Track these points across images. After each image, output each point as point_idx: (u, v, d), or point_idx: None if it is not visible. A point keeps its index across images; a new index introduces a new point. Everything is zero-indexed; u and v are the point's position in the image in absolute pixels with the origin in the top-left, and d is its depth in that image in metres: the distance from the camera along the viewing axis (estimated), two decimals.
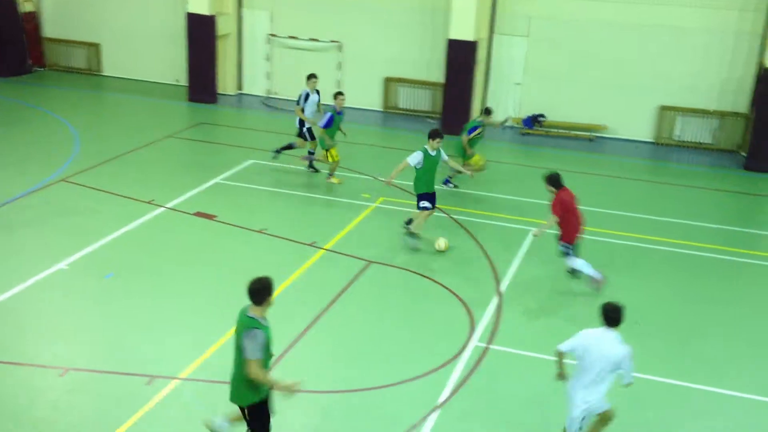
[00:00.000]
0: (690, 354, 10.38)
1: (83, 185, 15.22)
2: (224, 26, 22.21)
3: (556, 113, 20.83)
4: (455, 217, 14.49)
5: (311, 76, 16.39)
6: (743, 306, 11.78)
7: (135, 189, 15.09)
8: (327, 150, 15.61)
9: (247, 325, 6.98)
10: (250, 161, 17.12)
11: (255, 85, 23.32)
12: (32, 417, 8.52)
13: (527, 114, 20.97)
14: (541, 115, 20.87)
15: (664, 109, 20.06)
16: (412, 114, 21.98)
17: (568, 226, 11.42)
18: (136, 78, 23.98)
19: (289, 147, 16.51)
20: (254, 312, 7.07)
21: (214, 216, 14.07)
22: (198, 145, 18.58)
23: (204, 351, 9.80)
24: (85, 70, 24.46)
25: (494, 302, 11.35)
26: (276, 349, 9.68)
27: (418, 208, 12.97)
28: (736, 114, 19.67)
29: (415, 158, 12.65)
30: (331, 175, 16.04)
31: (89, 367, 9.46)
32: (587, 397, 7.44)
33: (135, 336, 10.16)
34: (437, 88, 21.37)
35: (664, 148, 20.08)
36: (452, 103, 20.19)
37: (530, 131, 20.79)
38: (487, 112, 16.18)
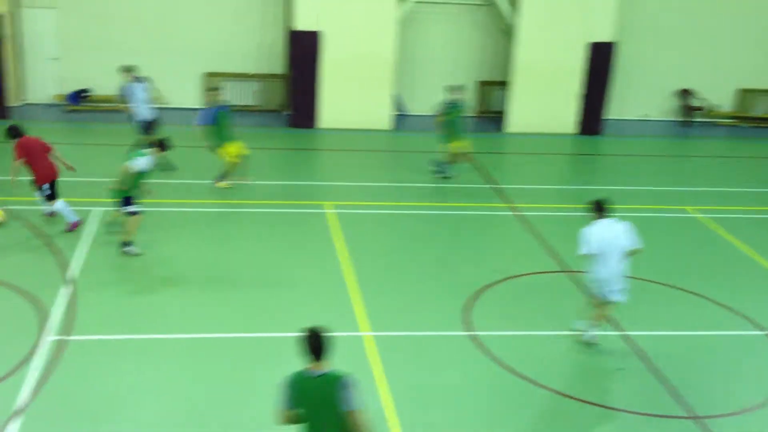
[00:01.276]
0: None
1: None
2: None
3: (104, 87, 20.10)
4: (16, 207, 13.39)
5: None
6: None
7: None
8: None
9: (340, 377, 6.03)
10: None
11: None
12: None
13: (71, 90, 20.01)
14: (85, 90, 20.09)
15: (209, 75, 20.70)
16: None
17: (38, 170, 12.60)
18: None
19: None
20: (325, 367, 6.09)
21: None
22: None
23: None
24: None
25: (64, 290, 10.82)
26: None
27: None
28: (274, 76, 21.09)
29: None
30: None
31: None
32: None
33: None
34: None
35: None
36: None
37: (77, 108, 19.90)
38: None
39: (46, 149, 12.77)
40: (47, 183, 12.73)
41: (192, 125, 15.14)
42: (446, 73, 21.21)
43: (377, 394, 8.88)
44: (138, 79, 15.53)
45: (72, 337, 9.70)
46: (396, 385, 9.07)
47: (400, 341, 10.15)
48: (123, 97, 15.67)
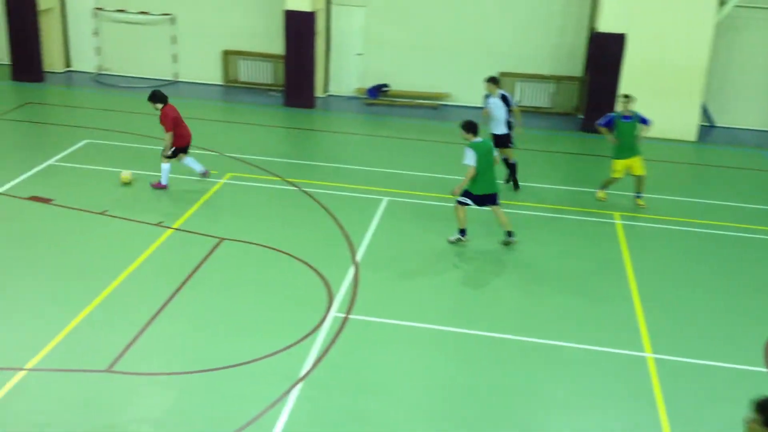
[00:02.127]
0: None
1: None
2: (45, 0, 20.77)
3: (400, 83, 20.98)
4: (307, 190, 14.30)
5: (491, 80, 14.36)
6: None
7: None
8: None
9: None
10: (85, 141, 16.16)
11: (84, 61, 22.01)
12: None
13: (371, 84, 21.02)
14: (385, 85, 20.98)
15: (502, 75, 20.70)
16: (254, 87, 21.51)
17: (181, 135, 13.75)
18: None
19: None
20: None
21: (51, 200, 13.20)
22: (26, 126, 17.35)
23: (48, 341, 9.22)
24: None
25: (351, 272, 11.30)
26: (128, 335, 9.39)
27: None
28: (571, 78, 20.57)
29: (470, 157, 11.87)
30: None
31: None
32: None
33: None
34: (278, 60, 21.00)
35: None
36: (294, 76, 19.88)
37: (375, 101, 20.87)
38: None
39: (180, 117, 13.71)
40: (183, 147, 13.81)
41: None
42: (763, 84, 19.38)
43: (657, 420, 8.22)
44: (504, 97, 14.25)
45: (352, 316, 10.10)
46: (676, 416, 8.33)
47: (685, 368, 9.32)
48: (486, 109, 14.44)
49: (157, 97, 13.60)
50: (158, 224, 12.48)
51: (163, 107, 13.58)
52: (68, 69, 22.00)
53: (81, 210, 12.89)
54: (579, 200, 14.64)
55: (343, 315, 10.11)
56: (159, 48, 21.36)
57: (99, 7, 21.32)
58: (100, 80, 21.27)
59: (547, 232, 13.11)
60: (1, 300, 10.18)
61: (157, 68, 21.50)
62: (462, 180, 11.93)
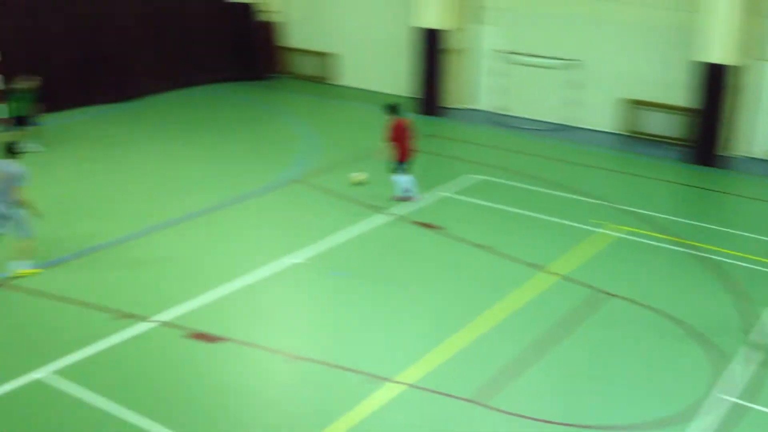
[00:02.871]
0: None
1: (316, 186, 15.66)
2: (454, 40, 22.12)
3: None
4: (703, 254, 13.21)
5: None
6: None
7: (365, 194, 15.29)
8: None
9: None
10: (479, 176, 16.77)
11: (484, 100, 23.01)
12: (259, 397, 8.95)
13: None
14: None
15: None
16: (654, 139, 20.53)
17: (403, 149, 14.56)
18: (368, 88, 24.45)
19: None
20: None
21: (441, 227, 13.86)
22: (426, 157, 18.48)
23: (426, 357, 9.71)
24: (320, 79, 25.31)
25: (743, 352, 10.10)
26: (498, 370, 9.40)
27: None
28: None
29: None
30: None
31: (314, 357, 9.70)
32: None
33: (359, 334, 10.32)
34: (684, 113, 19.84)
35: None
36: (703, 132, 18.56)
37: None
38: None
39: (412, 133, 14.58)
40: (404, 161, 14.60)
41: None
42: None
43: None
44: None
45: (753, 406, 8.97)
46: None
47: None
48: None
49: (390, 109, 14.64)
50: (536, 266, 12.43)
51: (392, 119, 14.53)
52: (468, 107, 23.16)
53: (468, 242, 13.32)
54: None
55: (734, 400, 9.02)
56: (558, 92, 21.54)
57: (504, 49, 22.14)
58: (497, 120, 22.02)
59: None
60: (383, 311, 10.93)
61: (553, 112, 21.69)
62: None
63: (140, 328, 10.21)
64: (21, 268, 11.45)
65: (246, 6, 24.60)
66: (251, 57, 24.95)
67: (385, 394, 8.96)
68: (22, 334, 10.07)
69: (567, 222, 14.34)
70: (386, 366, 9.50)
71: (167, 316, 10.49)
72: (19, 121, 16.75)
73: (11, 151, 11.42)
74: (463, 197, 15.53)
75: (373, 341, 10.14)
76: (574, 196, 15.73)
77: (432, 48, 21.72)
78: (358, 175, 15.90)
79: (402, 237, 13.54)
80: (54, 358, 9.41)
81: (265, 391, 9.06)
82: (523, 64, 21.97)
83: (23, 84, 16.64)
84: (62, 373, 9.13)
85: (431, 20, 21.45)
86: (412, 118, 15.24)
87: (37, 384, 8.94)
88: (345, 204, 14.86)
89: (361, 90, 24.29)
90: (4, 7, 18.77)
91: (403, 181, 14.82)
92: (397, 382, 9.16)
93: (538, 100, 21.96)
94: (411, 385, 9.12)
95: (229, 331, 10.15)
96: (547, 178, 16.59)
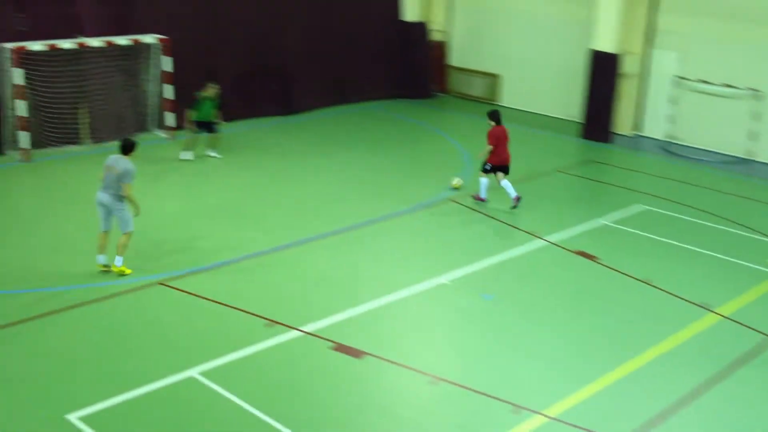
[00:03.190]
0: None
1: (470, 207, 15.55)
2: (629, 65, 21.32)
3: None
4: None
5: None
6: None
7: (518, 218, 15.02)
8: None
9: None
10: (641, 206, 16.03)
11: (654, 127, 21.99)
12: (397, 415, 8.88)
13: None
14: None
15: None
16: None
17: (500, 154, 15.35)
18: (530, 110, 24.05)
19: None
20: None
21: (596, 257, 13.32)
22: (587, 182, 17.93)
23: (575, 392, 9.34)
24: (483, 99, 25.16)
25: None
26: (650, 413, 8.88)
27: None
28: None
29: None
30: None
31: (457, 380, 9.53)
32: None
33: (505, 361, 10.10)
34: None
35: None
36: None
37: None
38: None
39: (507, 139, 15.36)
40: (498, 165, 15.28)
41: None
42: None
43: None
44: None
45: None
46: None
47: None
48: None
49: (491, 115, 15.33)
50: (701, 305, 11.67)
51: (493, 126, 15.22)
52: (636, 133, 22.25)
53: (624, 273, 12.75)
54: None
55: None
56: (737, 123, 20.25)
57: (681, 75, 21.10)
58: (667, 148, 20.99)
59: None
60: (532, 338, 10.66)
61: (729, 143, 20.40)
62: None
63: (286, 336, 10.40)
64: (118, 264, 11.92)
65: (422, 25, 24.90)
66: (419, 75, 25.20)
67: (530, 425, 8.69)
68: (176, 332, 10.51)
69: (738, 261, 13.43)
70: (533, 397, 9.21)
71: (313, 327, 10.64)
72: (204, 127, 17.59)
73: (126, 148, 11.83)
74: (623, 227, 14.88)
75: (519, 370, 9.87)
76: (749, 234, 14.72)
77: (605, 71, 21.04)
78: (457, 182, 16.35)
79: (554, 263, 13.16)
80: (203, 359, 9.73)
81: (406, 410, 8.98)
82: (698, 92, 20.86)
83: (209, 91, 17.46)
84: (208, 374, 9.42)
85: (607, 43, 20.82)
86: (506, 127, 15.55)
87: (187, 382, 9.28)
88: (497, 226, 14.67)
89: (525, 112, 23.92)
90: (182, 18, 19.75)
91: (486, 183, 15.53)
92: (544, 415, 8.86)
93: (713, 130, 20.75)
94: (558, 419, 8.79)
95: (373, 347, 10.17)
96: (717, 213, 15.62)
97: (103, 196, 11.71)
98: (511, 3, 24.05)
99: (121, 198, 11.69)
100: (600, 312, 11.50)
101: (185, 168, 17.13)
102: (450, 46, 25.84)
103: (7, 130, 17.00)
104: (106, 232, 11.94)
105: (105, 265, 12.00)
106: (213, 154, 17.78)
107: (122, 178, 11.54)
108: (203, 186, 16.10)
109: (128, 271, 11.97)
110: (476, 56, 25.18)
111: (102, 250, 11.96)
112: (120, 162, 11.66)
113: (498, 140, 15.23)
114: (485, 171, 15.44)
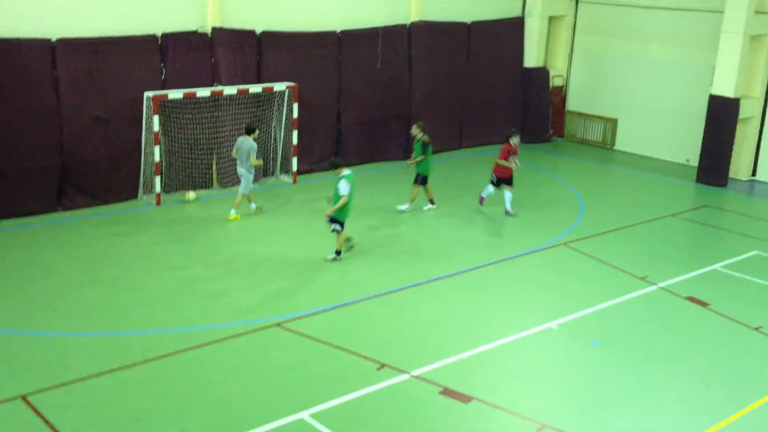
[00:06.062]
0: None
1: (582, 252, 15.80)
2: (748, 109, 21.20)
3: None
4: None
5: None
6: None
7: (630, 263, 15.19)
8: None
9: None
10: (756, 252, 15.98)
11: None
12: None
13: None
14: None
15: None
16: None
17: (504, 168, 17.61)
18: (646, 154, 24.06)
19: None
20: None
21: (707, 304, 13.46)
22: (700, 228, 17.95)
23: None
24: (599, 143, 25.35)
25: None
26: None
27: None
28: None
29: None
30: None
31: (564, 428, 9.67)
32: None
33: (612, 408, 10.24)
34: None
35: None
36: None
37: None
38: None
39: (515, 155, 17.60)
40: (504, 178, 17.63)
41: None
42: None
43: None
44: None
45: None
46: None
47: None
48: None
49: (507, 135, 17.72)
50: None
51: (506, 143, 17.53)
52: (753, 178, 22.00)
53: (738, 322, 12.84)
54: None
55: None
56: None
57: None
58: None
59: None
60: (642, 385, 10.78)
61: None
62: None
63: (395, 379, 10.59)
64: (232, 213, 16.62)
65: (544, 71, 25.38)
66: (539, 120, 25.58)
67: None
68: (290, 373, 10.77)
69: None
70: None
71: (422, 370, 10.82)
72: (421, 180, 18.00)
73: (249, 130, 16.48)
74: (737, 273, 14.90)
75: (628, 419, 9.97)
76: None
77: (725, 116, 20.98)
78: (191, 195, 17.90)
79: (664, 310, 13.29)
80: (314, 401, 9.89)
81: None
82: None
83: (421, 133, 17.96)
84: (318, 416, 9.57)
85: (727, 88, 20.80)
86: (518, 144, 17.70)
87: (296, 424, 9.40)
88: (608, 271, 14.85)
89: (642, 156, 23.96)
90: (311, 67, 20.47)
91: (490, 190, 17.87)
92: None
93: None
94: None
95: (480, 392, 10.32)
96: None
97: (239, 169, 16.51)
98: (630, 48, 24.28)
99: (249, 168, 16.35)
100: (712, 361, 11.56)
101: (303, 208, 17.48)
102: (568, 91, 26.27)
103: (143, 176, 17.76)
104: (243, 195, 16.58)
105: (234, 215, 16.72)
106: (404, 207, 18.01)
107: (250, 152, 16.27)
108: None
109: (237, 217, 16.62)
110: (594, 101, 25.45)
111: (236, 207, 16.70)
112: (247, 141, 16.35)
113: (506, 156, 17.50)
114: (492, 183, 17.79)
